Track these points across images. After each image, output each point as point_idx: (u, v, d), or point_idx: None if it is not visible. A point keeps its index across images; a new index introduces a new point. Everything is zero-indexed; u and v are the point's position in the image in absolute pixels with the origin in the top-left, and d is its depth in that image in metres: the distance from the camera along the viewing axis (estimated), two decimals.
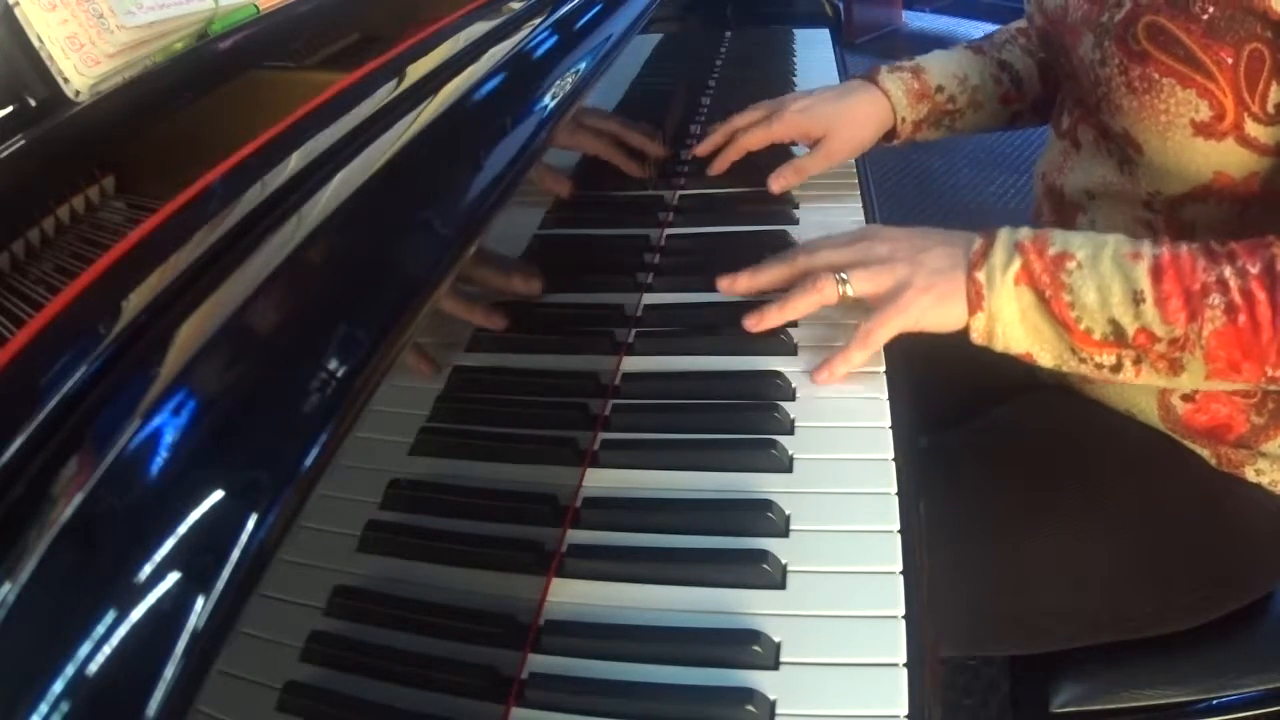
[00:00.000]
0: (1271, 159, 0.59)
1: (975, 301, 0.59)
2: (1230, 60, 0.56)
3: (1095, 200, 0.70)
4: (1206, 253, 0.55)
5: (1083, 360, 0.58)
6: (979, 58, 0.88)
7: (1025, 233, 0.60)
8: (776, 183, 0.83)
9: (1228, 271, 0.54)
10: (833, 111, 0.83)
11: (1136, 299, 0.55)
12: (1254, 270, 0.53)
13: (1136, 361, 0.57)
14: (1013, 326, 0.59)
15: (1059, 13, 0.68)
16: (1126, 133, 0.63)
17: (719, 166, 0.86)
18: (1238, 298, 0.53)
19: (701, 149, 0.87)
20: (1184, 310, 0.54)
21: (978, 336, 0.60)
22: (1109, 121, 0.65)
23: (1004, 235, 0.60)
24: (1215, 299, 0.54)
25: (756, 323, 0.65)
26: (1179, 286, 0.54)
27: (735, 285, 0.67)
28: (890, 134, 0.86)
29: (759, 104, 0.86)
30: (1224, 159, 0.60)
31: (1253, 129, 0.58)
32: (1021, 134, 2.71)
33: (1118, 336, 0.56)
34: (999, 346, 0.60)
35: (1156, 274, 0.55)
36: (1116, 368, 0.57)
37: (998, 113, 0.88)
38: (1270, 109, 0.57)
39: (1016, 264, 0.58)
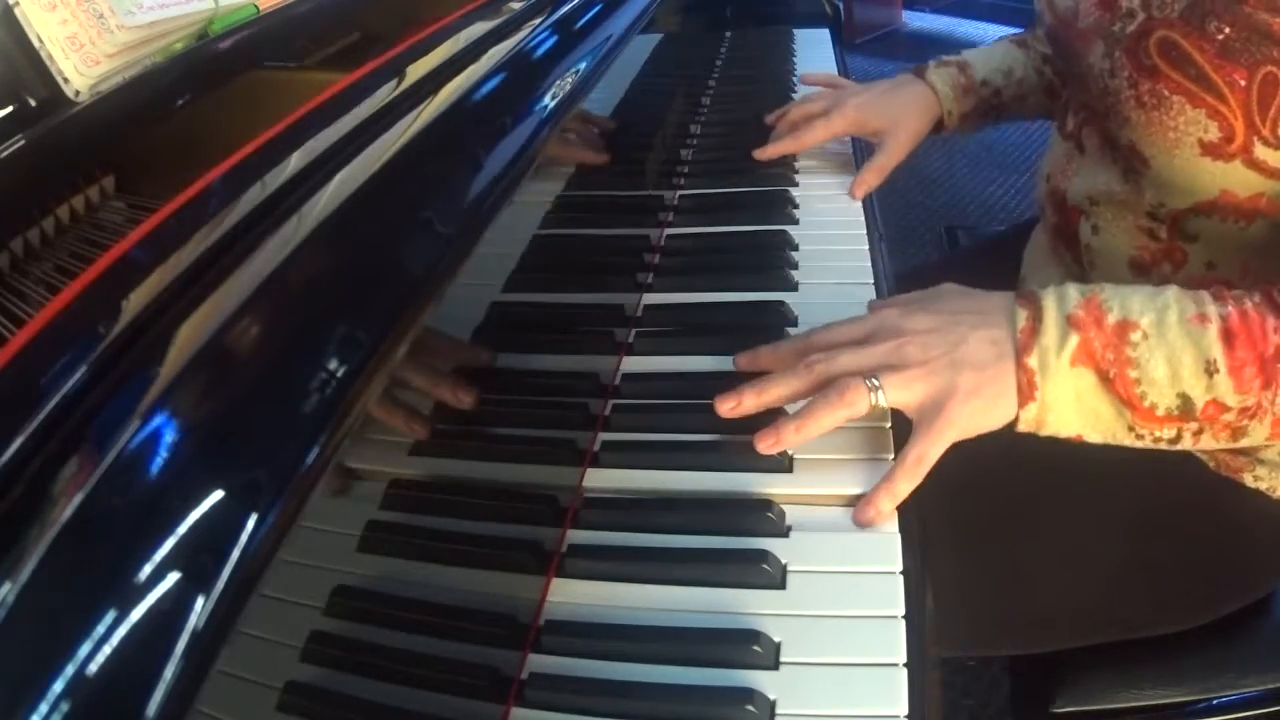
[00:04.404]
0: (1279, 182, 0.58)
1: (1027, 392, 0.51)
2: (1243, 82, 0.55)
3: (1098, 206, 0.70)
4: (1273, 307, 0.51)
5: (1139, 437, 0.52)
6: (1022, 51, 0.89)
7: (1073, 297, 0.53)
8: (859, 189, 0.85)
9: None
10: (891, 103, 0.85)
11: (1209, 369, 0.50)
12: None
13: (1197, 433, 0.52)
14: (1065, 411, 0.52)
15: (1069, 15, 0.67)
16: (1133, 145, 0.62)
17: (772, 153, 0.88)
18: None
19: (766, 153, 0.88)
20: (1259, 377, 0.49)
21: (1026, 426, 0.53)
22: (1116, 131, 0.64)
23: (1052, 307, 0.52)
24: None
25: (773, 444, 0.54)
26: (1253, 352, 0.49)
27: (741, 406, 0.55)
28: (937, 125, 0.88)
29: (811, 98, 0.89)
30: (1230, 179, 0.59)
31: (1262, 152, 0.56)
32: (1022, 134, 2.70)
33: (1184, 410, 0.51)
34: (1045, 433, 0.53)
35: (1228, 339, 0.50)
36: (1175, 440, 0.52)
37: (1042, 103, 0.89)
38: None
39: (1073, 342, 0.51)
